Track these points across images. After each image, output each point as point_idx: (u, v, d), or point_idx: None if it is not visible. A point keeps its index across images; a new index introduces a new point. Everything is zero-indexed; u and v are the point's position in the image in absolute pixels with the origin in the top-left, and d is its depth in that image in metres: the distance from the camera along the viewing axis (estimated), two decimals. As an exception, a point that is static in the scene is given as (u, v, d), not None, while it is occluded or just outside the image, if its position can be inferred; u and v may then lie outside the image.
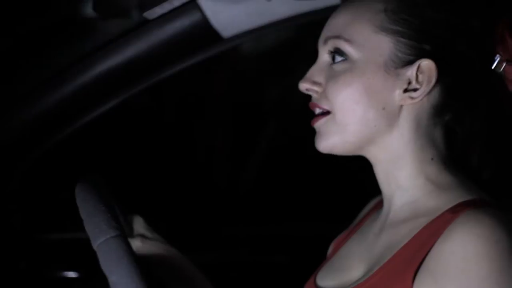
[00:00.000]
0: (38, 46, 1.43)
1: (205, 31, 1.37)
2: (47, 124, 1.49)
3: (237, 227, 1.85)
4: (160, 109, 2.23)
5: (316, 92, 0.97)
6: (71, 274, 1.61)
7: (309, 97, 1.00)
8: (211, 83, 2.25)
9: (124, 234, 0.93)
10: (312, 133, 1.00)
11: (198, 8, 1.34)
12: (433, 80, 0.92)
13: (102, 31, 1.41)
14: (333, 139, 0.95)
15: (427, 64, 0.92)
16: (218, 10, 1.34)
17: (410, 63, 0.92)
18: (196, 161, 2.27)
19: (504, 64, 0.94)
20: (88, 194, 0.97)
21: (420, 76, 0.92)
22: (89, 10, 1.38)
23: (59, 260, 1.63)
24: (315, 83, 0.97)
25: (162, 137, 2.22)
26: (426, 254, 0.84)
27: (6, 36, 1.41)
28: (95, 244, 0.91)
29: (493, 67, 0.95)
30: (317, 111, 0.98)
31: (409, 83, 0.93)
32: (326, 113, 0.96)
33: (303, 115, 1.06)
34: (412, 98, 0.93)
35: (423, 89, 0.92)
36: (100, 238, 0.91)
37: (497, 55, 0.95)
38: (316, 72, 0.98)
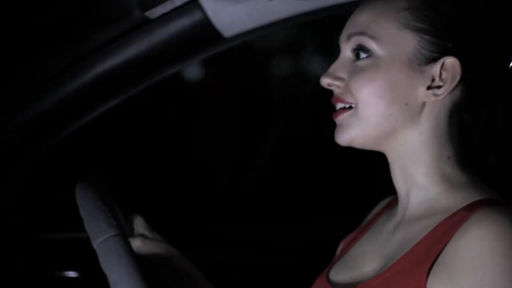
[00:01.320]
0: (39, 45, 1.42)
1: (206, 31, 1.37)
2: (48, 124, 1.49)
3: (239, 226, 1.85)
4: (161, 108, 2.23)
5: (338, 87, 0.98)
6: (72, 274, 1.60)
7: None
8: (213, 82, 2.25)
9: (124, 232, 0.93)
10: (315, 133, 1.00)
11: (200, 8, 1.34)
12: (457, 78, 0.93)
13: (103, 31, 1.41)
14: (353, 131, 0.96)
15: (451, 61, 0.93)
16: (219, 10, 1.34)
17: (434, 60, 0.93)
18: (197, 160, 2.27)
19: None
20: (88, 193, 0.97)
21: (443, 74, 0.93)
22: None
23: (60, 260, 1.63)
24: (337, 78, 0.98)
25: (163, 136, 2.22)
26: (441, 251, 0.85)
27: (6, 35, 1.40)
28: (95, 243, 0.91)
29: (510, 66, 0.97)
30: (339, 106, 0.99)
31: (433, 80, 0.94)
32: (348, 108, 0.97)
33: (309, 115, 1.06)
34: (435, 95, 0.94)
35: (447, 87, 0.94)
36: (100, 237, 0.91)
37: None
38: (339, 67, 0.99)
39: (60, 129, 1.52)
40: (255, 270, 1.69)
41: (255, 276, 1.68)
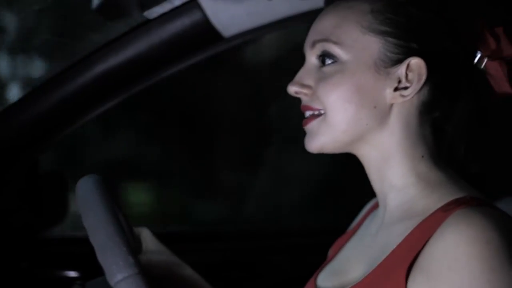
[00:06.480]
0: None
1: (205, 31, 1.37)
2: (47, 123, 1.49)
3: (238, 226, 1.85)
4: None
5: (306, 94, 0.98)
6: (72, 274, 1.60)
7: None
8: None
9: (141, 270, 0.91)
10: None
11: (199, 7, 1.34)
12: (423, 78, 0.94)
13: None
14: (323, 138, 0.96)
15: (416, 62, 0.93)
16: (218, 10, 1.34)
17: (399, 62, 0.94)
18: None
19: (486, 60, 0.97)
20: (97, 220, 0.94)
21: (409, 74, 0.94)
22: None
23: (60, 260, 1.63)
24: (304, 85, 0.98)
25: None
26: (419, 253, 0.86)
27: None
28: (112, 281, 0.90)
29: (475, 63, 0.98)
30: (308, 113, 0.99)
31: (399, 81, 0.94)
32: (317, 115, 0.97)
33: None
34: (402, 96, 0.94)
35: (414, 87, 0.94)
36: (117, 276, 0.89)
37: (478, 52, 0.98)
38: (305, 75, 0.99)
39: (60, 129, 1.52)
40: (255, 270, 1.69)
41: (255, 276, 1.69)
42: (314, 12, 1.33)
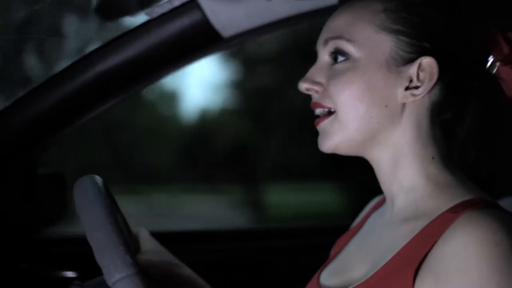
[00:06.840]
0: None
1: (205, 31, 1.37)
2: (47, 123, 1.49)
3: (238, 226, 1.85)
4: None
5: (316, 91, 0.98)
6: (71, 274, 1.60)
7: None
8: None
9: (139, 270, 0.91)
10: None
11: (198, 8, 1.34)
12: (435, 77, 0.94)
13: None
14: (337, 138, 0.96)
15: (428, 61, 0.93)
16: (218, 10, 1.34)
17: (411, 61, 0.94)
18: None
19: (498, 65, 0.98)
20: (95, 220, 0.94)
21: (421, 74, 0.94)
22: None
23: (59, 260, 1.63)
24: (315, 82, 0.98)
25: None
26: (427, 254, 0.86)
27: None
28: (110, 281, 0.90)
29: (487, 67, 0.98)
30: (318, 111, 0.99)
31: (411, 81, 0.94)
32: (329, 113, 0.97)
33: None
34: (413, 95, 0.94)
35: (425, 87, 0.94)
36: (115, 276, 0.89)
37: (491, 56, 0.98)
38: (316, 72, 0.99)
39: (60, 129, 1.52)
40: (255, 270, 1.69)
41: (254, 276, 1.69)
42: (314, 12, 1.34)
